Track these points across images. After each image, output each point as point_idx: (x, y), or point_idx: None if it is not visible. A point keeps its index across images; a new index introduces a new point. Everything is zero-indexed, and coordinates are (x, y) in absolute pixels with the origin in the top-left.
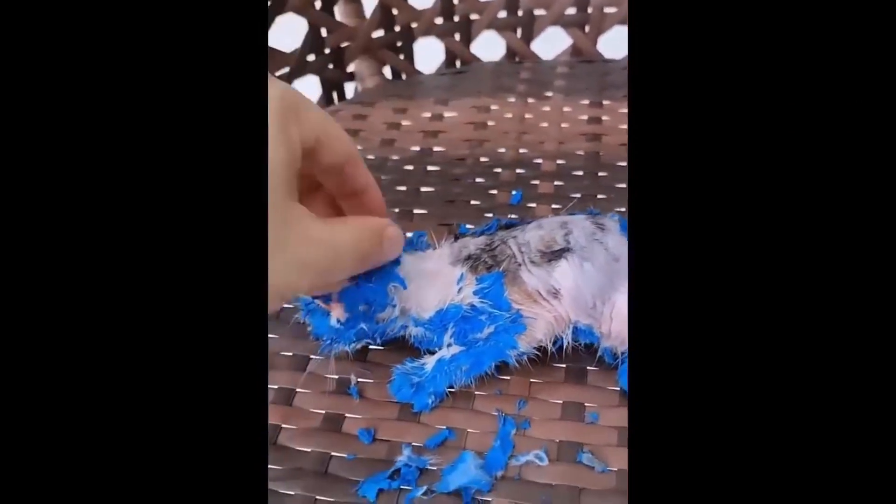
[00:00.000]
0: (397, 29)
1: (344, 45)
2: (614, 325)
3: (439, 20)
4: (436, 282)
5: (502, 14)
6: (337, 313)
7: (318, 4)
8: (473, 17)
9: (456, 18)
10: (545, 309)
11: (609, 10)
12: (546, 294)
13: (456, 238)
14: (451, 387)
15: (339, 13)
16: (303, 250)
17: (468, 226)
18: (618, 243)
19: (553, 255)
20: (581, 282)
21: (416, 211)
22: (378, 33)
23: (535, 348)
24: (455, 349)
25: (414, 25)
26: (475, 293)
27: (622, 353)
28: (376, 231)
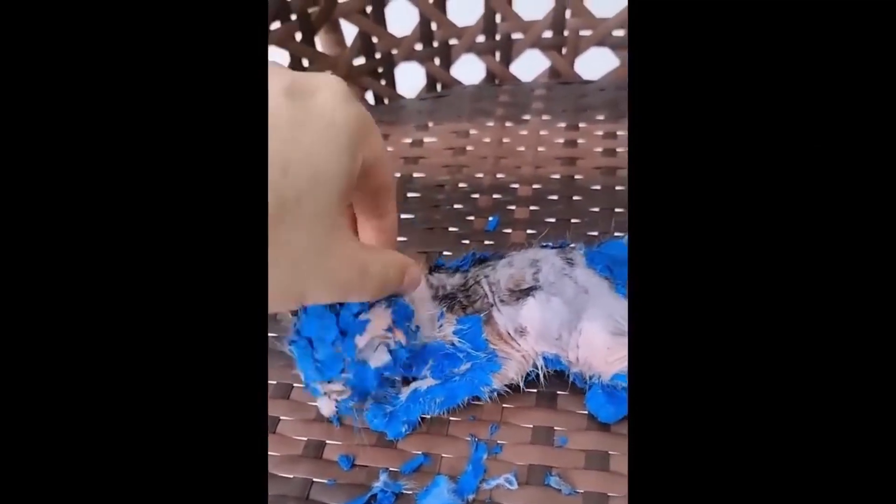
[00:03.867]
0: (378, 56)
1: (326, 73)
2: (581, 353)
3: (419, 46)
4: (419, 316)
5: (481, 38)
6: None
7: (298, 36)
8: (452, 42)
9: (435, 44)
10: (514, 348)
11: (584, 32)
12: (514, 333)
13: (431, 270)
14: (425, 416)
15: (319, 43)
16: (337, 267)
17: (446, 252)
18: (586, 276)
19: (521, 293)
20: (548, 316)
21: (397, 239)
22: (359, 60)
23: (506, 385)
24: (431, 381)
25: (394, 52)
26: (455, 333)
27: (590, 378)
28: (401, 267)
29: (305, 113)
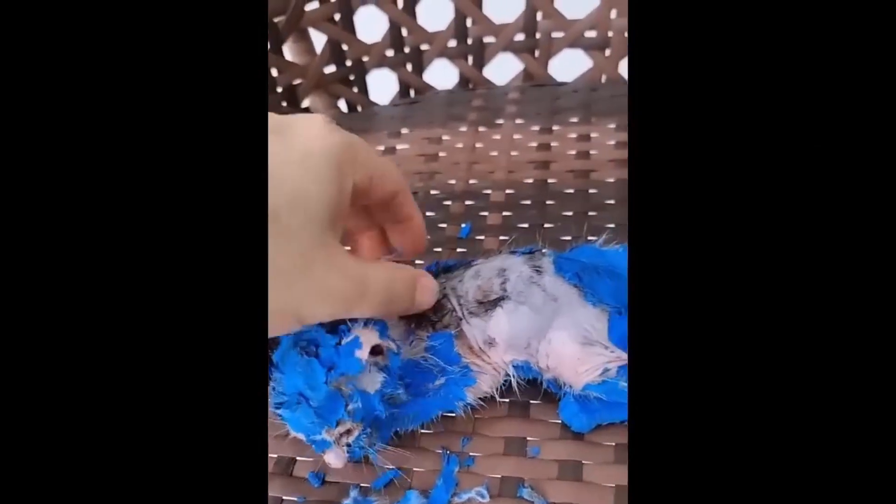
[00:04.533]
0: (349, 63)
1: (296, 82)
2: (550, 362)
3: (390, 52)
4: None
5: (452, 43)
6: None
7: (266, 45)
8: (424, 47)
9: (407, 49)
10: (485, 361)
11: (557, 34)
12: (483, 345)
13: None
14: (398, 432)
15: (288, 52)
16: (329, 278)
17: (418, 262)
18: (555, 284)
19: (490, 304)
20: (516, 326)
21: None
22: (330, 69)
23: (480, 398)
24: (404, 398)
25: (365, 59)
26: (427, 350)
27: (564, 385)
28: (409, 280)
29: (283, 146)
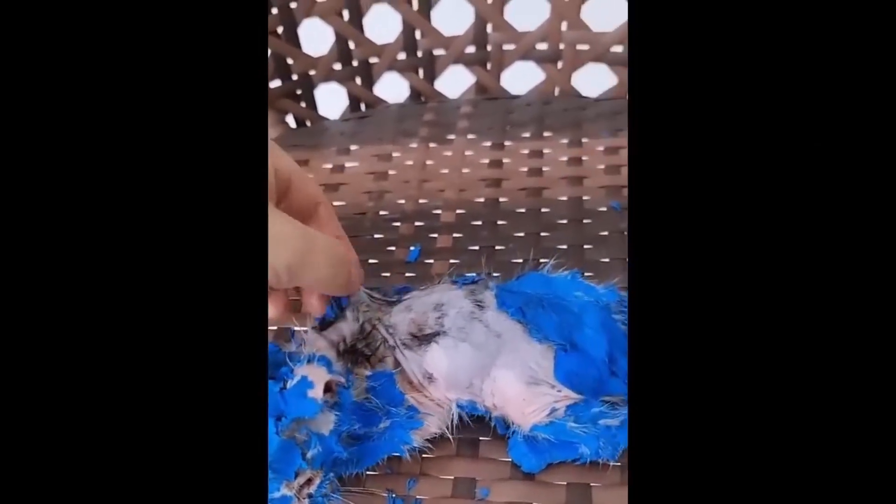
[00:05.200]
0: (295, 77)
1: None
2: (497, 401)
3: (337, 65)
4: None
5: (402, 56)
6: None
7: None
8: (373, 60)
9: (355, 63)
10: (426, 396)
11: (508, 46)
12: (422, 379)
13: (323, 327)
14: (341, 476)
15: None
16: (283, 227)
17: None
18: (497, 319)
19: (424, 338)
20: (457, 363)
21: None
22: (275, 83)
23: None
24: (361, 432)
25: (312, 73)
26: (368, 391)
27: (512, 424)
28: (347, 254)
29: None
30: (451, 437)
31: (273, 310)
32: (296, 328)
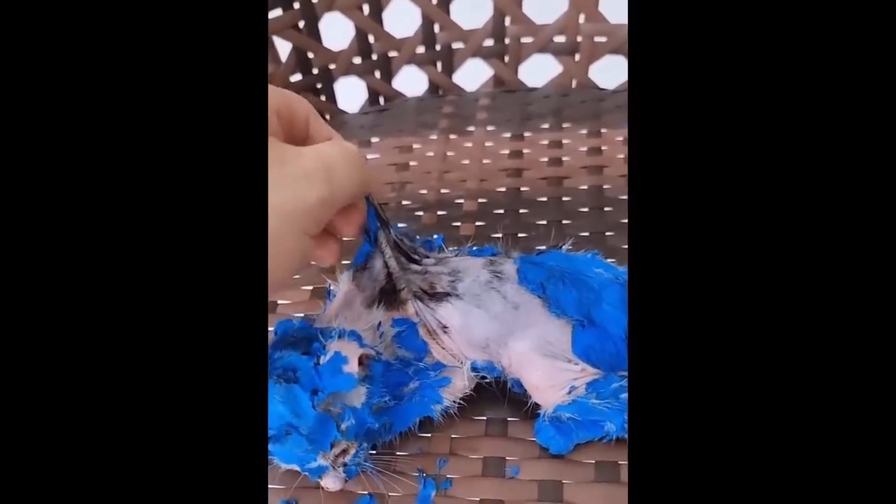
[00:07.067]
0: (315, 71)
1: None
2: (513, 368)
3: (357, 59)
4: (358, 328)
5: (421, 49)
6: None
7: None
8: (392, 54)
9: (374, 57)
10: (440, 345)
11: (526, 39)
12: (437, 327)
13: (355, 274)
14: (374, 447)
15: None
16: (301, 162)
17: None
18: (517, 292)
19: (435, 295)
20: (471, 324)
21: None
22: (296, 77)
23: (457, 403)
24: (391, 403)
25: (332, 66)
26: (395, 339)
27: (531, 396)
28: (349, 145)
29: None
30: (472, 393)
31: (330, 256)
32: (331, 286)
